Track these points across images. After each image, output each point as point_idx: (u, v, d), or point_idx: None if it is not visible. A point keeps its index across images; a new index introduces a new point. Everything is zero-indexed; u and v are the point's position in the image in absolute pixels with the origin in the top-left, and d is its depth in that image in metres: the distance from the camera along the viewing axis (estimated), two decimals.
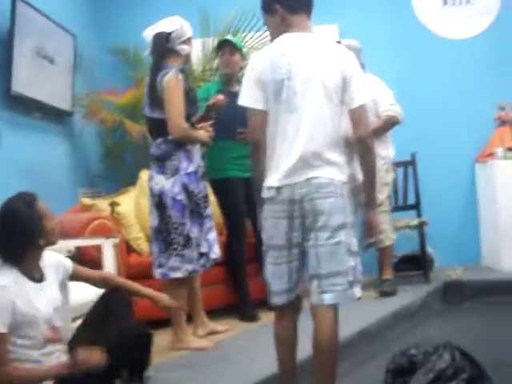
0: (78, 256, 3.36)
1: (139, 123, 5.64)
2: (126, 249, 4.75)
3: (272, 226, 2.91)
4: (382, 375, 3.48)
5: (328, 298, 2.82)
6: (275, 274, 2.93)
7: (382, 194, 5.35)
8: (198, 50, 6.14)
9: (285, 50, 2.89)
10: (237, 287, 4.95)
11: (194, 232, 3.92)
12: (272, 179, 2.89)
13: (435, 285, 5.65)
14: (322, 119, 2.85)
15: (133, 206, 5.02)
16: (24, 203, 2.91)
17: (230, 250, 4.79)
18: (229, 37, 5.29)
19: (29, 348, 2.88)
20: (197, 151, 4.05)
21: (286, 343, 3.02)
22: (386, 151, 5.39)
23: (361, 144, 2.92)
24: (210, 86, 5.13)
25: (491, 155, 6.24)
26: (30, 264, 2.94)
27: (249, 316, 4.76)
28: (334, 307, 2.86)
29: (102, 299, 3.18)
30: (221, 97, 4.22)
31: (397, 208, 5.91)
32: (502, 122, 6.35)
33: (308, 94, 2.84)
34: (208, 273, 4.25)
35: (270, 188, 2.89)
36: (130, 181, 5.47)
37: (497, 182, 6.07)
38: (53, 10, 5.47)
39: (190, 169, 3.94)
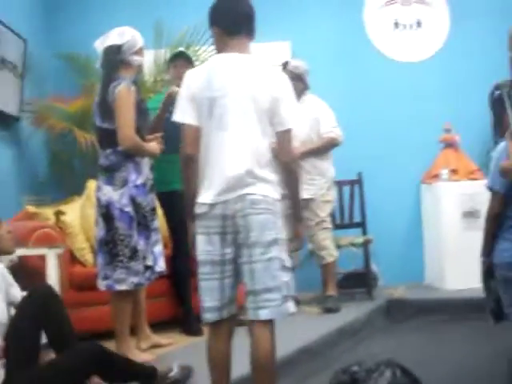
0: (21, 265, 3.30)
1: (88, 132, 5.61)
2: (70, 259, 4.71)
3: (204, 242, 2.93)
4: None
5: (263, 314, 2.86)
6: (207, 290, 2.94)
7: (324, 212, 5.47)
8: (150, 61, 6.14)
9: (220, 69, 2.97)
10: (181, 300, 4.92)
11: (140, 244, 3.90)
12: (205, 196, 2.93)
13: (378, 302, 5.74)
14: (253, 138, 2.91)
15: (78, 215, 4.96)
16: None
17: (174, 263, 4.76)
18: (183, 49, 5.30)
19: None
20: (146, 164, 4.04)
21: (218, 364, 3.00)
22: (327, 170, 5.51)
23: (284, 168, 3.01)
24: (161, 96, 5.12)
25: (436, 177, 6.34)
26: None
27: (193, 330, 4.74)
28: (270, 323, 2.90)
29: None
30: (175, 88, 4.20)
31: (342, 226, 6.00)
32: (447, 144, 6.45)
33: (239, 112, 2.91)
34: (152, 285, 4.23)
35: (203, 204, 2.92)
36: (77, 190, 5.42)
37: (441, 204, 6.18)
38: (3, 13, 5.41)
39: (139, 181, 3.93)
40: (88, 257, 4.83)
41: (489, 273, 3.28)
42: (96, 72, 5.40)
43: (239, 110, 2.91)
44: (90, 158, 5.65)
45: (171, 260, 4.75)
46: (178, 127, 3.13)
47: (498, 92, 3.26)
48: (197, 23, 6.07)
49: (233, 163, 2.88)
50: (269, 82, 2.96)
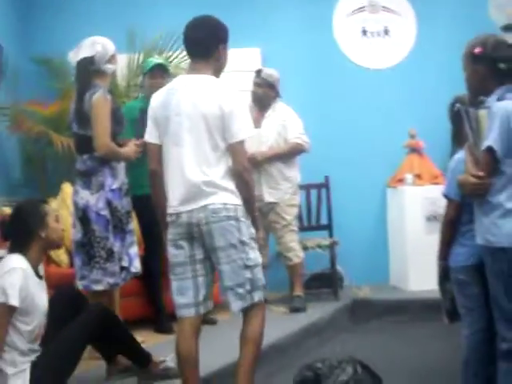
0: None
1: (64, 135, 5.68)
2: (46, 259, 4.75)
3: (174, 247, 3.27)
4: None
5: (234, 306, 3.25)
6: (180, 289, 3.27)
7: (290, 215, 5.63)
8: (123, 66, 6.21)
9: (175, 89, 3.30)
10: (152, 300, 5.04)
11: (116, 246, 4.03)
12: (169, 207, 3.27)
13: (344, 302, 5.88)
14: (204, 152, 3.20)
15: None
16: (29, 202, 3.39)
17: (146, 263, 4.81)
18: (159, 59, 5.38)
19: (21, 336, 3.12)
20: (121, 168, 4.16)
21: (188, 357, 3.26)
22: (292, 174, 5.66)
23: (237, 177, 3.25)
24: (134, 104, 5.23)
25: (401, 181, 6.50)
26: (35, 259, 3.24)
27: (164, 328, 4.87)
28: (255, 311, 3.27)
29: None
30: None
31: (310, 228, 6.15)
32: (412, 150, 6.60)
33: (191, 128, 3.20)
34: (125, 285, 4.33)
35: (169, 214, 3.27)
36: (51, 191, 5.48)
37: (405, 207, 6.33)
38: None
39: (115, 185, 4.06)
40: (63, 257, 4.94)
41: (445, 275, 3.41)
42: (70, 76, 5.49)
43: (191, 126, 3.20)
44: (64, 160, 5.72)
45: (143, 261, 4.86)
46: None
47: (457, 105, 3.38)
48: (170, 28, 6.18)
49: (188, 176, 3.18)
50: (217, 98, 3.21)
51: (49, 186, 5.82)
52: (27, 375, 3.15)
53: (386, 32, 7.07)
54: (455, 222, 3.33)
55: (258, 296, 3.27)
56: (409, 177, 6.39)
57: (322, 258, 6.08)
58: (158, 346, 4.01)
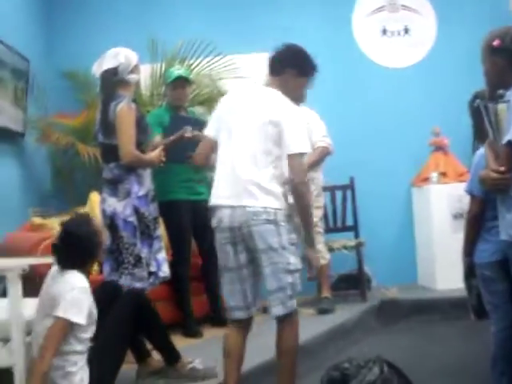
0: (31, 274, 3.50)
1: (90, 145, 5.78)
2: None
3: (221, 251, 3.35)
4: None
5: (276, 311, 3.27)
6: (231, 293, 3.35)
7: (315, 217, 5.60)
8: (146, 76, 6.30)
9: (243, 93, 3.53)
10: (181, 304, 5.10)
11: (144, 252, 4.07)
12: (211, 200, 3.39)
13: (371, 303, 5.87)
14: (255, 154, 3.30)
15: None
16: (82, 220, 3.43)
17: (174, 269, 4.83)
18: (180, 70, 5.45)
19: (82, 344, 3.23)
20: (147, 175, 4.20)
21: (233, 357, 3.34)
22: (316, 176, 5.66)
23: (294, 190, 3.31)
24: (161, 111, 5.33)
25: (426, 180, 6.51)
26: (86, 274, 3.35)
27: (192, 332, 4.94)
28: (290, 318, 3.29)
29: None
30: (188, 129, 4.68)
31: (335, 229, 6.16)
32: (437, 148, 6.60)
33: (248, 130, 3.34)
34: (154, 290, 4.37)
35: (210, 209, 3.39)
36: (80, 201, 5.57)
37: (431, 206, 6.33)
38: (7, 36, 5.59)
39: (141, 192, 4.09)
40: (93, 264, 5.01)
41: (470, 272, 3.41)
42: (95, 88, 5.58)
43: (248, 128, 3.34)
44: (91, 170, 5.82)
45: (171, 266, 4.92)
46: None
47: (477, 100, 3.36)
48: (191, 36, 6.29)
49: (238, 172, 3.29)
50: (277, 109, 3.34)
51: (77, 196, 5.92)
52: (86, 368, 3.27)
53: (406, 31, 7.10)
54: (479, 219, 3.30)
55: (295, 303, 3.31)
56: (434, 175, 6.39)
57: (349, 259, 6.10)
58: (186, 350, 4.04)
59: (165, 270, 4.25)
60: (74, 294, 3.18)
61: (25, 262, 3.61)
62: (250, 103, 3.43)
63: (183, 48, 6.40)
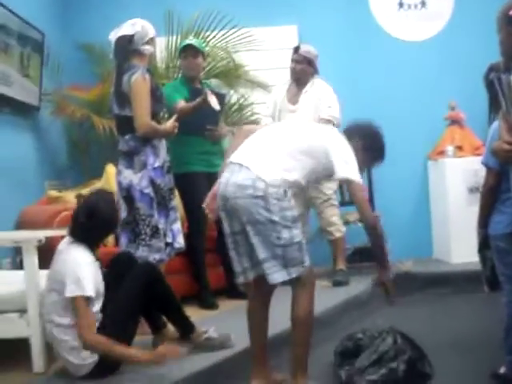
0: (47, 246, 3.53)
1: (105, 118, 5.80)
2: None
3: (220, 218, 3.39)
4: (332, 358, 3.75)
5: (272, 278, 3.19)
6: (232, 258, 3.37)
7: (330, 190, 5.62)
8: (161, 48, 6.31)
9: None
10: (196, 276, 5.13)
11: (161, 223, 4.10)
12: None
13: None
14: (282, 154, 3.29)
15: None
16: (106, 199, 3.52)
17: (190, 240, 4.88)
18: (191, 40, 5.43)
19: None
20: (163, 146, 4.22)
21: (254, 320, 3.41)
22: None
23: (369, 230, 3.50)
24: (176, 83, 5.29)
25: (442, 153, 6.49)
26: (97, 248, 3.45)
27: (208, 304, 4.96)
28: (302, 285, 3.23)
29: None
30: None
31: (351, 202, 6.11)
32: (453, 122, 6.58)
33: (293, 131, 3.45)
34: (169, 262, 4.40)
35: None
36: (96, 173, 5.64)
37: (447, 180, 6.32)
38: (22, 9, 5.58)
39: (157, 163, 4.11)
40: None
41: (485, 243, 3.41)
42: (110, 61, 5.58)
43: (293, 128, 3.47)
44: (107, 143, 5.85)
45: (187, 238, 4.95)
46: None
47: (492, 73, 3.34)
48: (206, 9, 6.28)
49: (257, 156, 3.28)
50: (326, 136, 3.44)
51: (92, 169, 5.97)
52: None
53: (423, 4, 7.04)
54: (495, 191, 3.29)
55: (295, 272, 3.19)
56: (450, 149, 6.38)
57: (364, 233, 6.06)
58: (203, 322, 4.07)
59: (180, 241, 4.29)
60: (78, 271, 3.26)
61: (41, 233, 3.65)
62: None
63: (199, 20, 6.40)
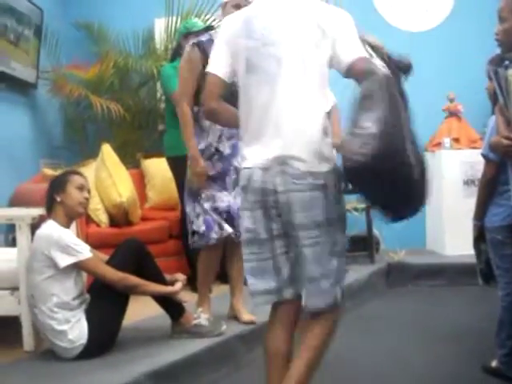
0: (40, 224, 3.51)
1: (103, 97, 5.76)
2: (86, 220, 4.88)
3: (248, 218, 2.52)
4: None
5: (314, 303, 2.47)
6: (257, 271, 2.53)
7: None
8: (161, 29, 6.27)
9: (259, 12, 2.52)
10: (190, 260, 5.08)
11: (188, 208, 4.00)
12: (242, 162, 2.55)
13: (379, 266, 5.91)
14: (303, 90, 2.45)
15: (93, 178, 5.13)
16: (67, 172, 3.70)
17: (184, 224, 4.86)
18: (199, 22, 5.35)
19: (69, 295, 3.35)
20: (213, 131, 3.90)
21: (274, 355, 2.54)
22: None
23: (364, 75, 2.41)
24: (175, 65, 5.21)
25: (439, 145, 6.47)
26: (61, 224, 3.41)
27: None
28: (325, 316, 2.48)
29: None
30: None
31: (346, 191, 6.12)
32: (450, 113, 6.55)
33: (285, 62, 2.43)
34: (165, 245, 4.36)
35: (246, 169, 2.50)
36: (91, 153, 5.59)
37: (443, 171, 6.31)
38: None
39: (199, 146, 3.91)
40: (102, 217, 5.03)
41: (480, 236, 3.40)
42: (108, 40, 5.56)
43: (284, 58, 2.43)
44: (103, 122, 5.83)
45: (181, 222, 4.93)
46: None
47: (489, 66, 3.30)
48: None
49: (284, 122, 2.41)
50: (318, 20, 2.47)
51: (88, 148, 5.93)
52: (83, 323, 3.34)
53: None
54: (493, 182, 3.28)
55: (339, 293, 2.48)
56: (446, 140, 6.36)
57: (359, 221, 6.09)
58: (194, 306, 4.06)
59: (222, 229, 3.94)
60: (60, 241, 3.32)
61: (35, 211, 3.63)
62: (277, 24, 2.48)
63: (200, 2, 6.34)
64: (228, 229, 3.91)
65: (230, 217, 3.92)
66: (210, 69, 2.55)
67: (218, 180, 3.93)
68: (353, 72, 2.43)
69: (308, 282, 2.46)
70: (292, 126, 2.40)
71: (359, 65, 2.42)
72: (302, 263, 2.45)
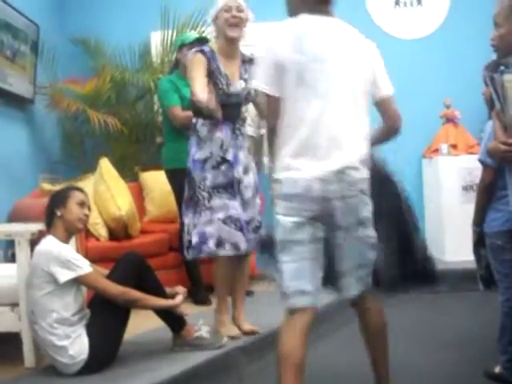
0: (39, 239, 3.51)
1: (100, 112, 5.77)
2: (85, 234, 4.88)
3: (296, 223, 2.57)
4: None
5: (355, 289, 2.71)
6: (297, 273, 2.56)
7: None
8: (157, 42, 6.28)
9: (310, 30, 2.65)
10: (189, 272, 5.11)
11: (187, 218, 4.00)
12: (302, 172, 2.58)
13: None
14: (351, 107, 2.67)
15: (92, 192, 5.13)
16: (62, 187, 3.78)
17: (182, 236, 4.87)
18: (194, 34, 5.42)
19: (68, 311, 3.35)
20: (213, 140, 3.95)
21: (289, 359, 2.54)
22: None
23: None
24: (173, 78, 5.20)
25: (436, 151, 6.48)
26: (61, 239, 3.42)
27: (201, 299, 4.98)
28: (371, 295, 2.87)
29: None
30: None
31: None
32: (447, 120, 6.56)
33: (334, 78, 2.62)
34: (165, 258, 4.35)
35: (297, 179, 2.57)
36: (89, 167, 5.59)
37: (441, 178, 6.32)
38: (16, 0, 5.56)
39: (198, 156, 3.95)
40: (102, 231, 5.02)
41: (480, 241, 3.40)
42: (106, 54, 5.56)
43: (333, 76, 2.62)
44: (101, 137, 5.84)
45: (180, 234, 4.91)
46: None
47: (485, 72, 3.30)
48: (204, 3, 6.22)
49: (336, 135, 2.59)
50: (366, 50, 2.85)
51: (86, 162, 5.93)
52: (84, 338, 3.34)
53: (419, 2, 7.03)
54: (491, 188, 3.28)
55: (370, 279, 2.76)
56: (444, 147, 6.36)
57: None
58: (195, 318, 4.05)
59: (209, 246, 3.92)
60: (60, 256, 3.32)
61: (34, 227, 3.63)
62: (336, 44, 2.69)
63: (195, 15, 6.34)
64: (241, 245, 3.88)
65: (241, 225, 3.90)
66: (269, 91, 2.63)
67: (229, 188, 3.94)
68: (384, 107, 2.93)
69: (347, 274, 2.66)
70: (349, 139, 2.63)
71: (393, 107, 2.98)
72: (343, 258, 2.64)
